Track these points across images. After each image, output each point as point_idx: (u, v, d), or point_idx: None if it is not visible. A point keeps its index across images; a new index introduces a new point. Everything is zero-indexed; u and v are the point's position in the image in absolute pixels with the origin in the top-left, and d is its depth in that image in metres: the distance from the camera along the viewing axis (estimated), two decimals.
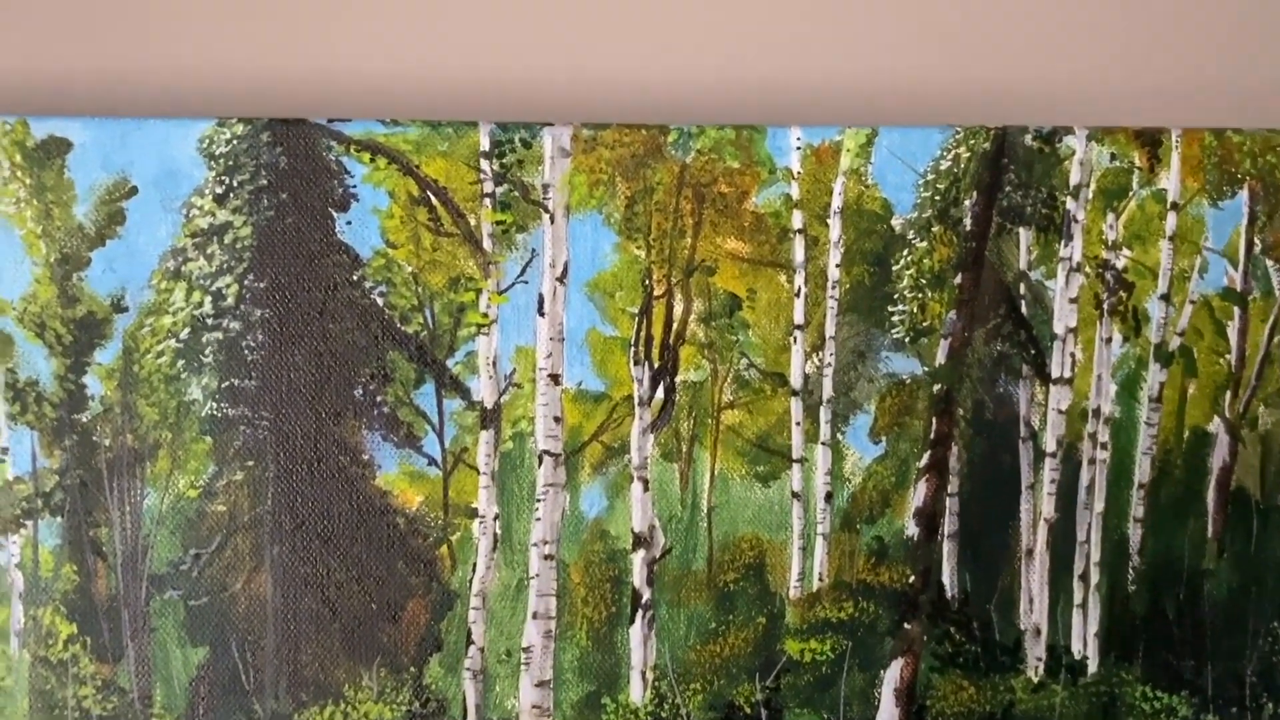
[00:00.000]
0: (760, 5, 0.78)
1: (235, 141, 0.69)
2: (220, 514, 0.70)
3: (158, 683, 0.70)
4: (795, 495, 0.76)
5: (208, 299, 0.69)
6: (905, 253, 0.76)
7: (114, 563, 0.69)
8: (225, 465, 0.70)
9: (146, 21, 0.72)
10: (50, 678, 0.69)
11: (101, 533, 0.69)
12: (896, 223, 0.76)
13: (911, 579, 0.77)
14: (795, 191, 0.75)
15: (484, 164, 0.71)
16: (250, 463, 0.70)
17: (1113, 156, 0.77)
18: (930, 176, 0.76)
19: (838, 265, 0.75)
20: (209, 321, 0.70)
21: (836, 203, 0.75)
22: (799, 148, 0.74)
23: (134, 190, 0.68)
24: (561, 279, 0.73)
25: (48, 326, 0.68)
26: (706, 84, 0.77)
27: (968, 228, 0.76)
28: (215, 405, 0.70)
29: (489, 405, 0.72)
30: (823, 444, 0.76)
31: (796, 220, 0.75)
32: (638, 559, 0.74)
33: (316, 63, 0.74)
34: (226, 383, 0.70)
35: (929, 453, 0.77)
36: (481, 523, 0.73)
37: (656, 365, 0.74)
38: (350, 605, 0.71)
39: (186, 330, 0.69)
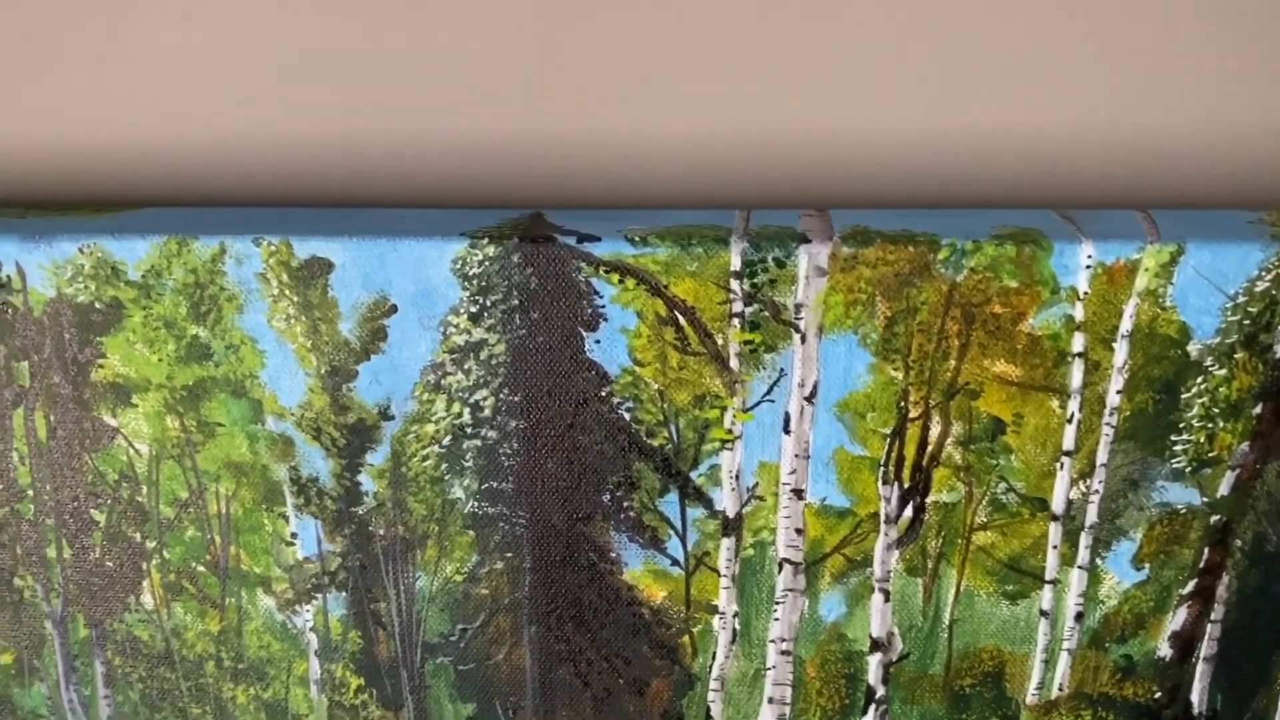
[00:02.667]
0: (1042, 76, 0.67)
1: (487, 263, 0.68)
2: (483, 596, 0.76)
3: None
4: (1044, 613, 0.74)
5: (466, 410, 0.72)
6: (1200, 380, 0.68)
7: (392, 631, 0.77)
8: (486, 555, 0.75)
9: (384, 126, 0.71)
10: (345, 718, 0.79)
11: (380, 607, 0.76)
12: (1193, 348, 0.68)
13: (1158, 694, 0.75)
14: (1079, 313, 0.67)
15: (734, 284, 0.68)
16: (509, 554, 0.75)
17: None
18: (1242, 299, 0.66)
19: (1119, 391, 0.69)
20: (468, 430, 0.72)
21: (1126, 325, 0.67)
22: (1089, 266, 0.66)
23: (394, 309, 0.70)
24: (810, 399, 0.70)
25: (323, 431, 0.73)
26: (979, 169, 0.69)
27: (1278, 355, 0.67)
28: (476, 504, 0.74)
29: (731, 515, 0.73)
30: (1079, 568, 0.73)
31: (1077, 343, 0.68)
32: (874, 660, 0.75)
33: (551, 159, 0.71)
34: (486, 485, 0.73)
35: (1195, 580, 0.72)
36: (721, 619, 0.75)
37: (907, 485, 0.72)
38: (600, 679, 0.77)
39: (448, 438, 0.72)
